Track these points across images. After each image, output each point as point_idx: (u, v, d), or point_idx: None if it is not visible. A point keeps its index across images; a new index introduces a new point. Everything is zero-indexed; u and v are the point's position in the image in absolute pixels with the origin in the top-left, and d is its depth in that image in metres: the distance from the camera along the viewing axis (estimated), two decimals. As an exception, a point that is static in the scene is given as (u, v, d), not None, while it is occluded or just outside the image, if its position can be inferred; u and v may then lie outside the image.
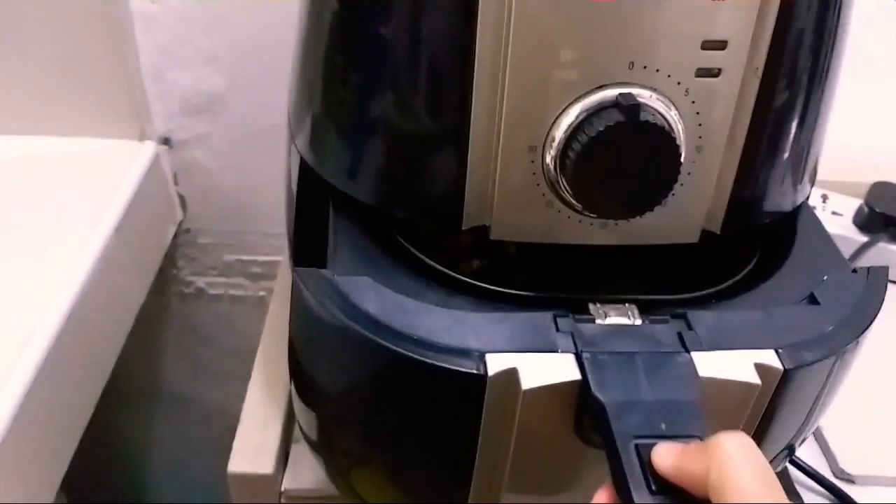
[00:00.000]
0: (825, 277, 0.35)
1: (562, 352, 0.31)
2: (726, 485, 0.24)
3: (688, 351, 0.31)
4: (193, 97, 0.69)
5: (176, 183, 0.75)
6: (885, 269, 0.37)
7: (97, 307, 0.58)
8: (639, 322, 0.33)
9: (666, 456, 0.26)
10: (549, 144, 0.32)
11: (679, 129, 0.32)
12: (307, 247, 0.42)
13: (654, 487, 0.26)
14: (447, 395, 0.32)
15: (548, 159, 0.32)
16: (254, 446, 0.49)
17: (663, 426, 0.28)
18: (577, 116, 0.31)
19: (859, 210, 0.63)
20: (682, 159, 0.32)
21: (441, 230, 0.36)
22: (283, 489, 0.49)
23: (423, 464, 0.36)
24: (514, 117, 0.32)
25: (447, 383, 0.31)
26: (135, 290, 0.69)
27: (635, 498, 0.26)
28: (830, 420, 0.39)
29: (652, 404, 0.29)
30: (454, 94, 0.32)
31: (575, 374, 0.30)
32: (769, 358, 0.31)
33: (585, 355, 0.31)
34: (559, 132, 0.31)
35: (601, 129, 0.30)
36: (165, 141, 0.72)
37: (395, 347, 0.31)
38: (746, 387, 0.31)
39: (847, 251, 0.60)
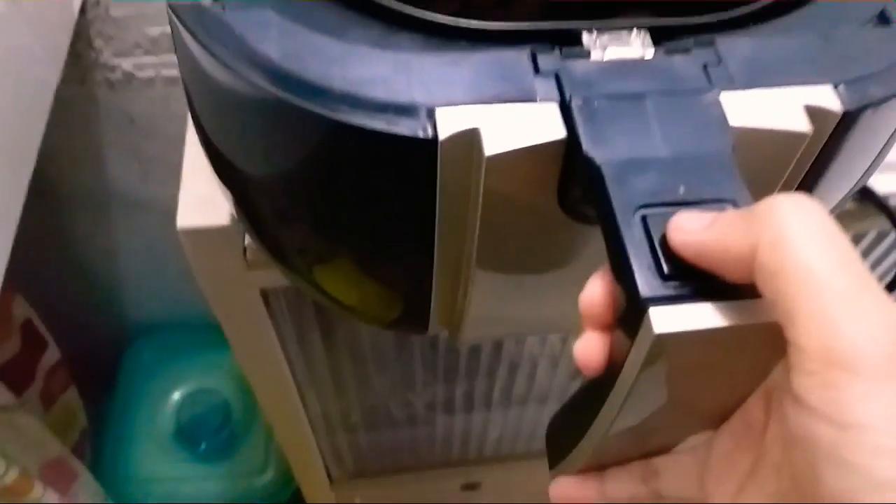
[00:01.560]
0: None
1: (541, 100, 0.22)
2: (783, 264, 0.16)
3: (714, 89, 0.23)
4: None
5: (69, -60, 0.61)
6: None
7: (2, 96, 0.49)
8: (650, 53, 0.24)
9: (688, 229, 0.19)
10: None
11: None
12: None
13: (667, 271, 0.19)
14: (386, 165, 0.23)
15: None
16: (203, 197, 0.38)
17: (682, 190, 0.20)
18: None
19: None
20: None
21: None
22: (245, 244, 0.40)
23: (371, 248, 0.29)
24: None
25: (383, 151, 0.22)
26: (47, 75, 0.58)
27: (641, 287, 0.18)
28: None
29: (666, 162, 0.21)
30: None
31: (559, 131, 0.22)
32: (823, 96, 0.23)
33: (575, 102, 0.22)
34: None
35: None
36: None
37: (306, 105, 0.22)
38: (792, 136, 0.23)
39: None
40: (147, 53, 0.71)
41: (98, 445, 0.85)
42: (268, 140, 0.25)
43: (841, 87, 0.23)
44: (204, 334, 0.80)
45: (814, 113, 0.23)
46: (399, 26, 0.25)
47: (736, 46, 0.24)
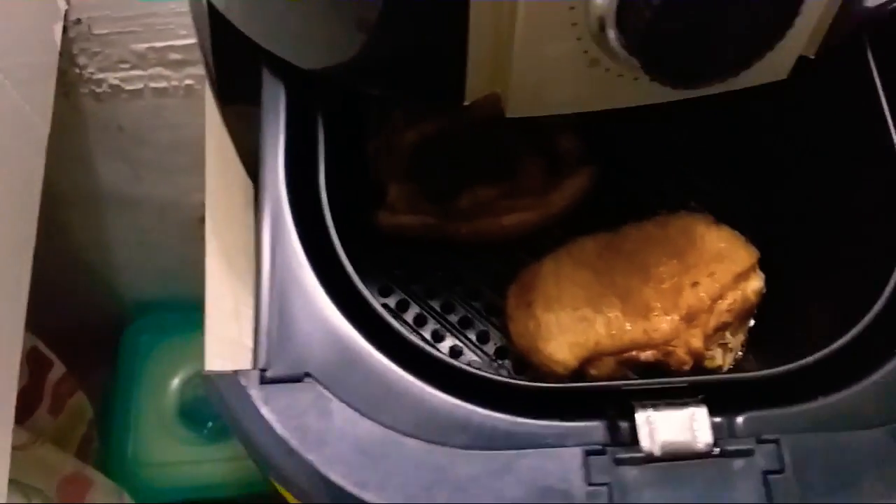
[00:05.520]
0: None
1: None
2: None
3: (775, 513, 0.22)
4: None
5: (45, -37, 0.55)
6: None
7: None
8: (706, 439, 0.23)
9: None
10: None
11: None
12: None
13: None
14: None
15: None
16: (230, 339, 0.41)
17: None
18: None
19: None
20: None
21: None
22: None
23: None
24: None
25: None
26: (40, 96, 0.56)
27: None
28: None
29: None
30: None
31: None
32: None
33: None
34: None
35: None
36: None
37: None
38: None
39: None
40: (134, 68, 0.66)
41: (104, 432, 0.87)
42: None
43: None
44: (201, 314, 0.79)
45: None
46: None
47: (802, 448, 0.23)
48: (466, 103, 0.24)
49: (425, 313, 0.35)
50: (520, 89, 0.24)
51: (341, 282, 0.25)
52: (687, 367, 0.32)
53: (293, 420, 0.22)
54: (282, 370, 0.23)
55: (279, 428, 0.22)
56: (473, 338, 0.35)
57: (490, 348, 0.35)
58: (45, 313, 0.76)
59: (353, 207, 0.36)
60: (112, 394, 0.90)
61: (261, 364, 0.23)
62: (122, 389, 0.90)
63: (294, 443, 0.22)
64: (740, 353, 0.34)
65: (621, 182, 0.37)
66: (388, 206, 0.34)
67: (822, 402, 0.23)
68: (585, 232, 0.35)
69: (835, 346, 0.24)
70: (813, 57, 0.26)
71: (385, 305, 0.35)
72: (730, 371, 0.34)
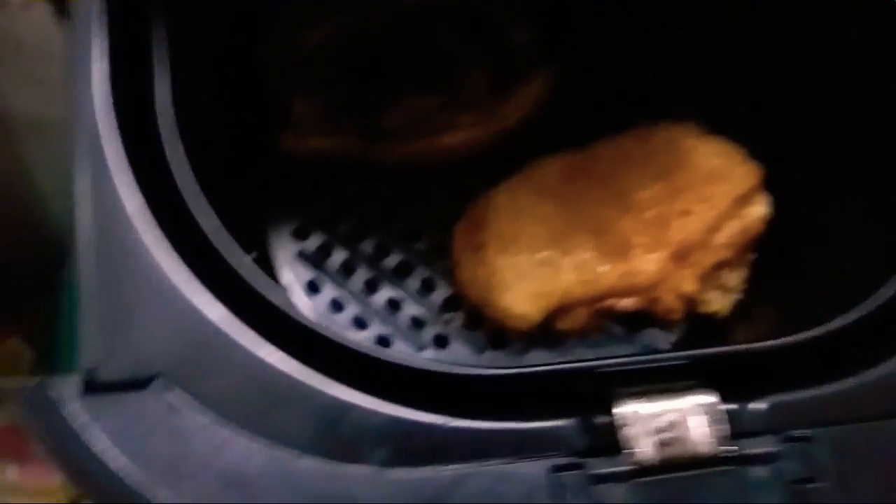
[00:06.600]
0: None
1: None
2: None
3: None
4: None
5: None
6: None
7: None
8: (716, 443, 0.17)
9: None
10: None
11: None
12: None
13: None
14: None
15: None
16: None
17: None
18: None
19: None
20: None
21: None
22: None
23: None
24: None
25: None
26: None
27: None
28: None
29: None
30: None
31: None
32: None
33: None
34: None
35: None
36: None
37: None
38: None
39: None
40: (20, -31, 0.56)
41: (49, 370, 0.82)
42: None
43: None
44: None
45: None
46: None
47: (844, 447, 0.17)
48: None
49: (353, 260, 0.29)
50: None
51: (202, 242, 0.18)
52: (677, 317, 0.26)
53: (135, 444, 0.16)
54: (119, 371, 0.16)
55: (114, 457, 0.16)
56: (415, 287, 0.29)
57: (437, 299, 0.29)
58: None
59: (254, 130, 0.28)
60: (55, 329, 0.83)
61: (86, 363, 0.16)
62: (67, 323, 0.84)
63: (136, 478, 0.16)
64: (740, 294, 0.28)
65: (590, 87, 0.30)
66: (293, 126, 0.27)
67: (861, 377, 0.17)
68: (547, 151, 0.28)
69: (882, 296, 0.18)
70: None
71: (301, 252, 0.28)
72: (730, 319, 0.28)
